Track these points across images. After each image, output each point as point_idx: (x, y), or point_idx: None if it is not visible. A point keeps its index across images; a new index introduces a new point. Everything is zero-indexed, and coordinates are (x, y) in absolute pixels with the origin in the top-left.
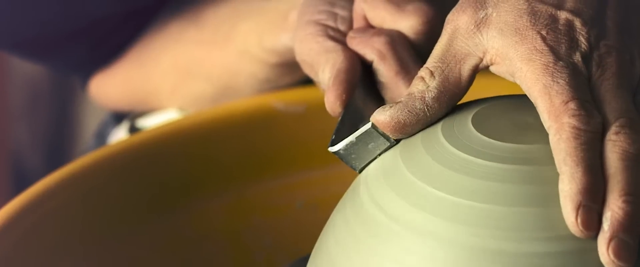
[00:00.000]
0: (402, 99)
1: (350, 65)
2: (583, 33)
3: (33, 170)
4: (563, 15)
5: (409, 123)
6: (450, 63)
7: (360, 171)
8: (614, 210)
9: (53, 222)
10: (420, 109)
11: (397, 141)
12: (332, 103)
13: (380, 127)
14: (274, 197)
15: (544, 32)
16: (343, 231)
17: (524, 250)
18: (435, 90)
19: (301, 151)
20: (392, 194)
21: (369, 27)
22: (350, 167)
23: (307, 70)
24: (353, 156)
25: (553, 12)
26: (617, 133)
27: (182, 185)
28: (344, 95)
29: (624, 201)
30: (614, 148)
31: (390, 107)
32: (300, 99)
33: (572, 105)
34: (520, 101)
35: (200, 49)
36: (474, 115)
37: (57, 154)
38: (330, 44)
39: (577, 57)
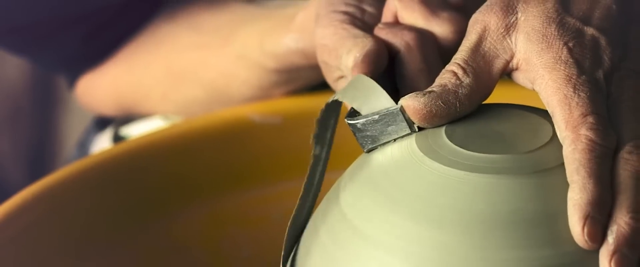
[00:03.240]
0: (435, 89)
1: (379, 50)
2: (607, 52)
3: (15, 183)
4: (590, 31)
5: (438, 115)
6: (480, 63)
7: (368, 151)
8: (620, 225)
9: (31, 236)
10: (452, 103)
11: (418, 130)
12: None
13: (410, 113)
14: (251, 208)
15: (570, 44)
16: (325, 239)
17: (506, 256)
18: (469, 88)
19: (278, 162)
20: (369, 205)
21: (397, 23)
22: (360, 144)
23: (325, 56)
24: (368, 133)
25: (580, 27)
26: (630, 152)
27: (159, 197)
28: (369, 74)
29: (632, 218)
30: (626, 166)
31: (424, 94)
32: (277, 111)
33: (590, 119)
34: (489, 111)
35: (196, 53)
36: (446, 126)
37: (39, 167)
38: (358, 31)
39: (600, 75)
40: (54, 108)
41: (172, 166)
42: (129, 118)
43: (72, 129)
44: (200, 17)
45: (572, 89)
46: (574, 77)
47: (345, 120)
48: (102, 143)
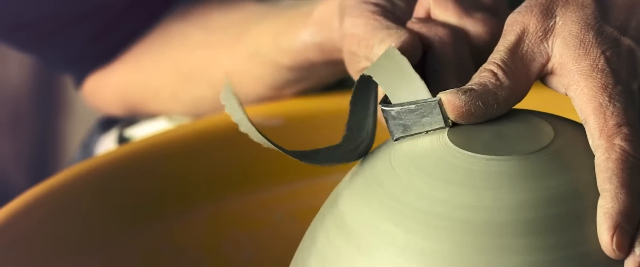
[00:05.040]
0: (475, 88)
1: (415, 42)
2: None
3: (17, 187)
4: (626, 41)
5: (476, 115)
6: (518, 65)
7: (396, 140)
8: None
9: (33, 237)
10: (491, 104)
11: (452, 126)
12: None
13: (449, 109)
14: (253, 210)
15: (608, 53)
16: (324, 243)
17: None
18: (508, 90)
19: (279, 164)
20: (369, 207)
21: (430, 19)
22: (390, 132)
23: (354, 45)
24: (401, 122)
25: (617, 36)
26: None
27: (161, 198)
28: None
29: None
30: None
31: (464, 92)
32: (278, 113)
33: (625, 129)
34: None
35: (206, 52)
36: (449, 129)
37: (42, 171)
38: (391, 23)
39: (634, 86)
40: (56, 112)
41: (174, 168)
42: (133, 119)
43: (74, 132)
44: (211, 16)
45: (607, 98)
46: (610, 86)
47: (380, 105)
48: (107, 144)
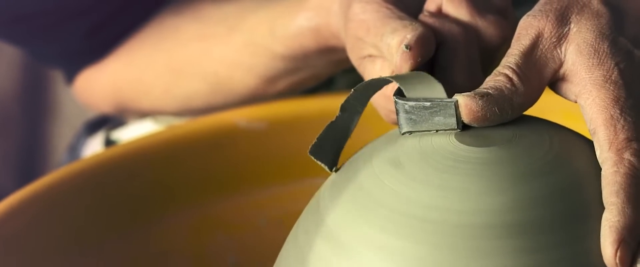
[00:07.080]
0: (492, 92)
1: (431, 37)
2: None
3: (4, 191)
4: (639, 54)
5: (489, 119)
6: (532, 70)
7: (403, 134)
8: None
9: (16, 241)
10: (506, 110)
11: (462, 129)
12: (405, 63)
13: (465, 112)
14: (237, 214)
15: (621, 65)
16: (305, 249)
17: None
18: (523, 97)
19: (264, 167)
20: (352, 213)
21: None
22: (399, 125)
23: (361, 31)
24: (412, 117)
25: (630, 49)
26: None
27: (145, 202)
28: (419, 59)
29: None
30: None
31: (482, 97)
32: (263, 116)
33: (635, 145)
34: None
35: (200, 44)
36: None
37: (29, 174)
38: (403, 14)
39: None
40: (43, 114)
41: (160, 171)
42: (120, 122)
43: (62, 135)
44: (206, 9)
45: (619, 111)
46: (622, 99)
47: (393, 97)
48: (94, 147)
